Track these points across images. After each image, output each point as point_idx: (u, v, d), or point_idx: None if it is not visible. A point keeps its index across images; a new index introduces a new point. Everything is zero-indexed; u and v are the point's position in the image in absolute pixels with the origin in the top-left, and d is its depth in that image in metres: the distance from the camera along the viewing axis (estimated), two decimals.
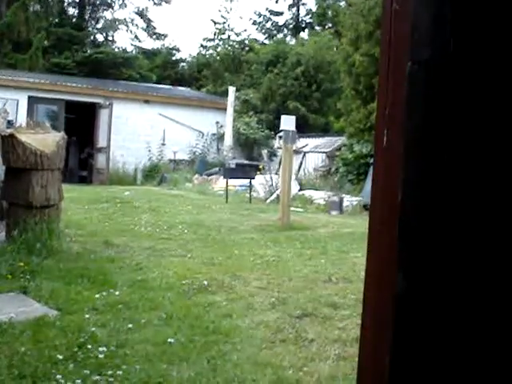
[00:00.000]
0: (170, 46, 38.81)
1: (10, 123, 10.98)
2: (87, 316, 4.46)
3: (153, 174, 21.14)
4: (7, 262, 6.01)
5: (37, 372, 3.36)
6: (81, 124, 21.61)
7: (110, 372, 3.40)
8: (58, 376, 3.30)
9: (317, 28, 35.35)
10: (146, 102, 22.34)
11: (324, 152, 19.22)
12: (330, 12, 32.92)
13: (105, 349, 3.75)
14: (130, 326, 4.29)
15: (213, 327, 4.35)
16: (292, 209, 11.31)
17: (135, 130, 21.49)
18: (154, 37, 39.43)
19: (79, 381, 3.25)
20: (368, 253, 1.16)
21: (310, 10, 36.95)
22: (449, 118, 0.93)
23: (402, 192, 0.98)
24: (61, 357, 3.58)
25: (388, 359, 1.07)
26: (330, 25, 32.05)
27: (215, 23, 35.70)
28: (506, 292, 0.88)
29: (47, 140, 7.26)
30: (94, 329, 4.14)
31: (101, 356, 3.63)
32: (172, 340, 4.00)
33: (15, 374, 3.31)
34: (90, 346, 3.77)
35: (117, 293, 5.20)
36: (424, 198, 0.94)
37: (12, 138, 7.01)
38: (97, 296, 5.03)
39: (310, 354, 3.84)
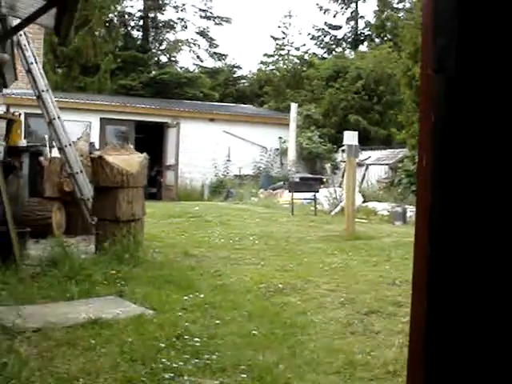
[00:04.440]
0: (231, 64, 39.86)
1: (91, 145, 11.86)
2: (179, 314, 5.10)
3: (219, 189, 21.81)
4: (101, 270, 6.72)
5: (144, 357, 3.99)
6: (150, 143, 22.59)
7: (206, 356, 4.01)
8: (163, 360, 3.92)
9: (376, 40, 35.69)
10: (211, 120, 23.14)
11: (386, 164, 19.52)
12: (388, 24, 33.18)
13: (198, 339, 4.37)
14: (217, 322, 4.91)
15: (290, 322, 4.93)
16: (356, 220, 11.73)
17: (201, 148, 22.23)
18: (216, 57, 40.54)
19: (182, 363, 3.87)
20: (415, 248, 1.69)
21: (369, 22, 37.32)
22: (469, 142, 1.45)
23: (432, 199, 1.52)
24: (163, 345, 4.22)
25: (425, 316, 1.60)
26: (389, 36, 32.31)
27: (275, 39, 36.53)
28: None
29: (131, 160, 8.02)
30: (187, 324, 4.77)
31: (196, 344, 4.25)
32: (255, 332, 4.59)
33: (127, 358, 3.96)
34: (186, 337, 4.41)
35: (201, 295, 5.83)
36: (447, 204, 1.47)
37: (101, 160, 7.80)
38: (185, 298, 5.67)
39: (377, 342, 4.38)
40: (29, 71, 9.91)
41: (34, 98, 16.17)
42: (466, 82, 1.38)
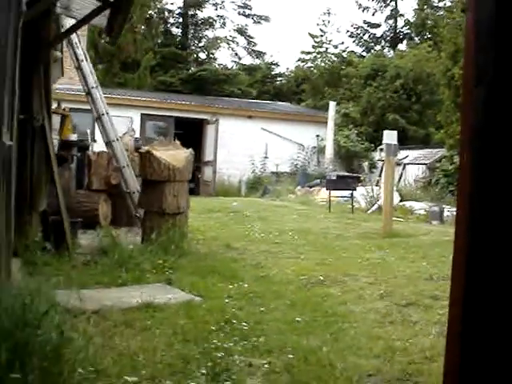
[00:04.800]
0: (269, 61, 40.11)
1: (136, 140, 12.28)
2: (226, 301, 5.42)
3: (256, 185, 22.12)
4: (149, 259, 7.06)
5: (196, 338, 4.31)
6: (188, 139, 22.97)
7: (253, 339, 4.31)
8: (214, 340, 4.24)
9: (415, 39, 35.54)
10: (250, 117, 23.46)
11: (424, 163, 19.57)
12: (429, 22, 32.98)
13: (246, 324, 4.68)
14: (262, 309, 5.22)
15: (331, 311, 5.21)
16: (393, 218, 11.89)
17: (239, 145, 22.53)
18: (254, 55, 40.85)
19: (231, 344, 4.18)
20: (455, 239, 1.95)
21: (408, 20, 37.16)
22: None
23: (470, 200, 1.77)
24: (213, 328, 4.53)
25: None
26: (429, 35, 32.15)
27: (313, 37, 36.65)
28: None
29: (178, 155, 8.35)
30: (233, 310, 5.09)
31: (244, 328, 4.56)
32: (299, 319, 4.88)
33: (181, 339, 4.28)
34: (234, 322, 4.72)
35: (245, 285, 6.15)
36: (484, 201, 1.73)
37: (149, 154, 8.15)
38: (230, 287, 6.00)
39: (415, 331, 4.64)
40: (79, 68, 10.32)
41: (76, 93, 16.75)
42: (501, 94, 1.64)
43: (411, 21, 36.29)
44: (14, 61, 5.26)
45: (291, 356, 3.96)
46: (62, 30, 9.19)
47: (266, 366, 3.83)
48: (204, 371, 3.65)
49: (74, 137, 10.24)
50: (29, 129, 7.14)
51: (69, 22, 9.75)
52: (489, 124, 1.68)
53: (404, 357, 4.03)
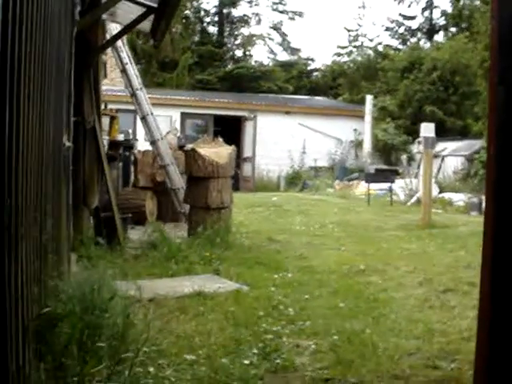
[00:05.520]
0: (305, 57, 40.23)
1: (179, 139, 12.66)
2: (272, 290, 5.74)
3: (294, 180, 22.35)
4: (196, 252, 7.43)
5: (247, 322, 4.63)
6: (227, 136, 23.34)
7: (300, 323, 4.62)
8: (263, 325, 4.56)
9: (452, 30, 35.21)
10: (287, 113, 23.70)
11: (463, 155, 19.52)
12: (466, 12, 32.62)
13: (292, 310, 5.00)
14: (307, 296, 5.52)
15: (372, 298, 5.49)
16: (432, 210, 12.02)
17: (277, 140, 22.77)
18: (289, 51, 41.01)
19: (279, 327, 4.49)
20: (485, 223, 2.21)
21: (444, 11, 36.81)
22: None
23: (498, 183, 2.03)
24: (261, 313, 4.85)
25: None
26: (465, 25, 31.82)
27: (349, 31, 36.68)
28: None
29: (221, 152, 8.69)
30: (279, 297, 5.41)
31: (290, 314, 4.87)
32: (342, 305, 5.16)
33: (232, 323, 4.60)
34: (280, 308, 5.03)
35: (289, 275, 6.46)
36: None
37: (194, 152, 8.50)
38: (275, 277, 6.32)
39: (453, 315, 4.89)
40: (123, 71, 10.70)
41: (117, 94, 17.21)
42: None
43: (447, 11, 35.95)
44: (70, 68, 5.66)
45: (336, 338, 4.25)
46: (107, 34, 9.59)
47: (312, 346, 4.12)
48: (256, 351, 3.97)
49: (120, 137, 10.66)
50: (81, 130, 7.54)
51: (113, 26, 10.18)
52: (509, 120, 1.94)
53: (442, 338, 4.29)
